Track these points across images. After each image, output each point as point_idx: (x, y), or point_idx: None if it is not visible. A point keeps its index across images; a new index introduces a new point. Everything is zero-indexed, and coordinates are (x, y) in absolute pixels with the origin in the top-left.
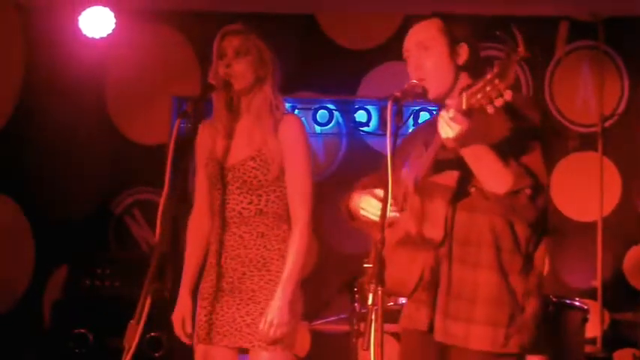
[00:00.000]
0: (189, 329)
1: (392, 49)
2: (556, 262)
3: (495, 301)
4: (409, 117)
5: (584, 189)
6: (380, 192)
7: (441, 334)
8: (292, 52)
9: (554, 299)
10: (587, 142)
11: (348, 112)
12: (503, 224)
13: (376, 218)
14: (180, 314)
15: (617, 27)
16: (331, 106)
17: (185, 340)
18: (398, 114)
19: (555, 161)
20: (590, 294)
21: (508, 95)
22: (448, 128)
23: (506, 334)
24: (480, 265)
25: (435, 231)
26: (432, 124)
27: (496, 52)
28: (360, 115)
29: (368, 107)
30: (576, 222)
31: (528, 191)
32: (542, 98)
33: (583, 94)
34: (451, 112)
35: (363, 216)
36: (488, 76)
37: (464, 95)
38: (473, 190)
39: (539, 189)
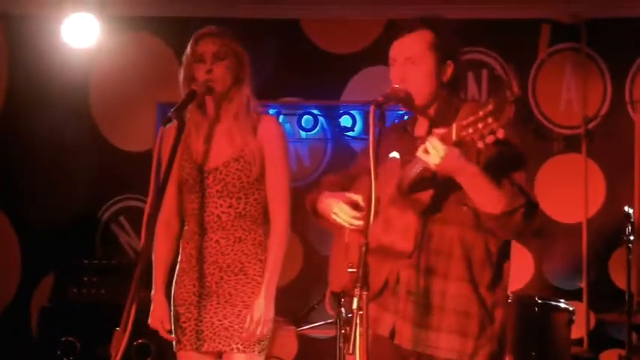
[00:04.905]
0: (168, 326)
1: (376, 54)
2: (542, 263)
3: (465, 311)
4: (393, 121)
5: (568, 191)
6: (353, 196)
7: (409, 342)
8: (276, 57)
9: (539, 301)
10: (570, 144)
11: (332, 117)
12: (475, 236)
13: (347, 224)
14: (159, 317)
15: (599, 29)
16: (316, 112)
17: (170, 338)
18: (381, 118)
19: (539, 163)
20: (576, 295)
21: (501, 134)
22: (434, 152)
23: (475, 345)
24: (450, 276)
25: (405, 243)
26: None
27: (479, 55)
28: (345, 120)
29: (353, 112)
30: (561, 224)
31: (522, 210)
32: (526, 101)
33: (566, 96)
34: (434, 140)
35: (334, 220)
36: (481, 113)
37: (454, 127)
38: (465, 208)
39: (533, 207)
